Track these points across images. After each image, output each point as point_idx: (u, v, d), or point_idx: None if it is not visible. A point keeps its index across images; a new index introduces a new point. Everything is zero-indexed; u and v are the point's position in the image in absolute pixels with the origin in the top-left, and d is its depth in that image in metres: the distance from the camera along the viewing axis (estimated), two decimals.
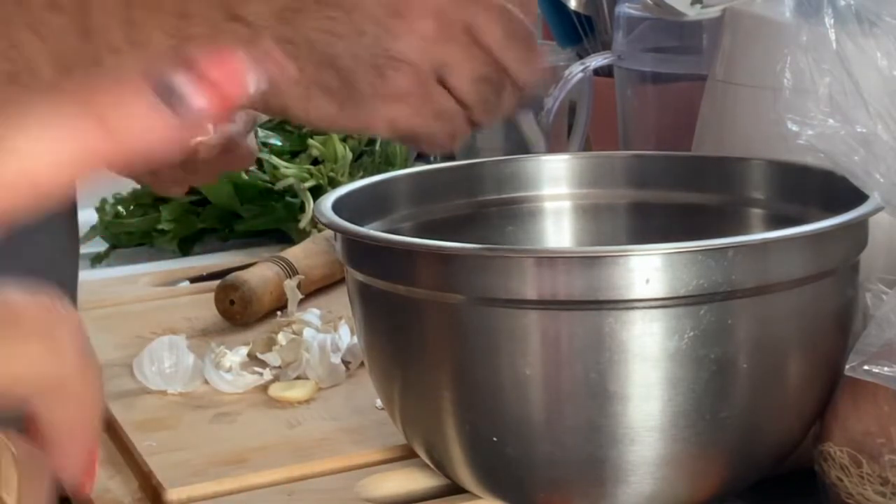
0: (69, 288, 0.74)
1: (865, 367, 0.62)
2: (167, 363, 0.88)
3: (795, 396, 0.65)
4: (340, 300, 1.00)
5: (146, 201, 1.27)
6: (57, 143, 0.32)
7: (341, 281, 1.08)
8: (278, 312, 1.02)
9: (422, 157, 1.58)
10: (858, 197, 0.66)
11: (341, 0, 0.57)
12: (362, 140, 1.31)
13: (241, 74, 0.33)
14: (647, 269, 0.59)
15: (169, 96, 0.32)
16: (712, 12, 0.93)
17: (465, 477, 0.67)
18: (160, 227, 1.25)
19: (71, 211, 0.76)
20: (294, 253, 1.10)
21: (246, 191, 1.24)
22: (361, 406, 0.83)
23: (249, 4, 0.56)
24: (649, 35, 1.09)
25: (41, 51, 0.55)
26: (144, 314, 1.04)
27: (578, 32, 1.31)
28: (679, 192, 0.81)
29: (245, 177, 1.23)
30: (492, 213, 0.82)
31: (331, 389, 0.88)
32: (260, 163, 1.25)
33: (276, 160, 1.25)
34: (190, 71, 0.33)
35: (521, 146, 0.86)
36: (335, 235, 0.70)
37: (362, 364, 0.86)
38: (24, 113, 0.32)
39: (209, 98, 0.33)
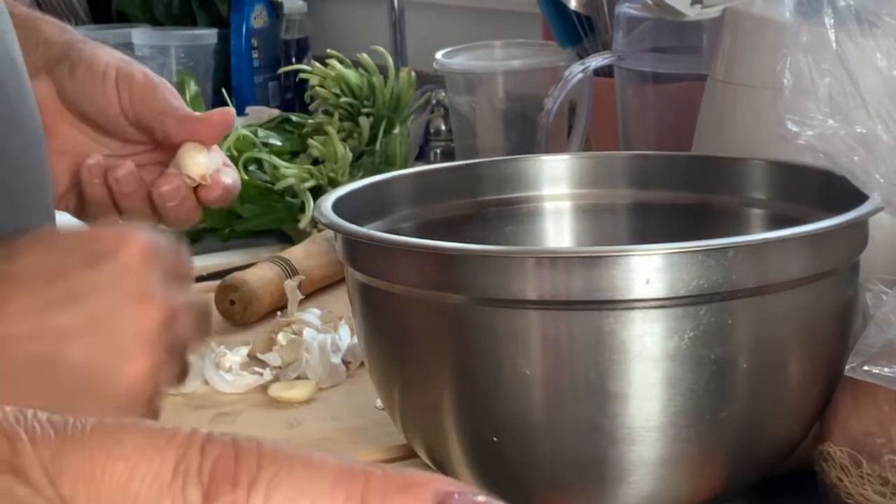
0: None
1: (865, 368, 0.62)
2: None
3: (795, 396, 0.65)
4: (340, 300, 1.00)
5: None
6: None
7: (341, 281, 1.08)
8: (278, 312, 1.02)
9: (422, 157, 1.59)
10: (858, 197, 0.66)
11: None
12: (362, 140, 1.31)
13: None
14: (648, 270, 0.59)
15: None
16: (712, 12, 0.93)
17: (465, 477, 0.67)
18: (160, 227, 1.25)
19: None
20: (294, 253, 1.10)
21: (246, 191, 1.24)
22: (361, 406, 0.83)
23: None
24: (649, 35, 1.09)
25: None
26: None
27: (578, 32, 1.31)
28: (679, 192, 0.81)
29: (245, 177, 1.23)
30: (492, 213, 0.82)
31: (331, 389, 0.88)
32: (260, 163, 1.26)
33: (276, 160, 1.26)
34: None
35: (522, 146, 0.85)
36: (335, 235, 0.70)
37: (362, 364, 0.86)
38: None
39: None
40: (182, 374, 0.59)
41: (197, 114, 0.81)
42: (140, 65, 0.83)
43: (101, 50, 0.82)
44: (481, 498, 0.30)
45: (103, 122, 0.82)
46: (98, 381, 0.55)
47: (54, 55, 0.80)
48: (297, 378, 0.89)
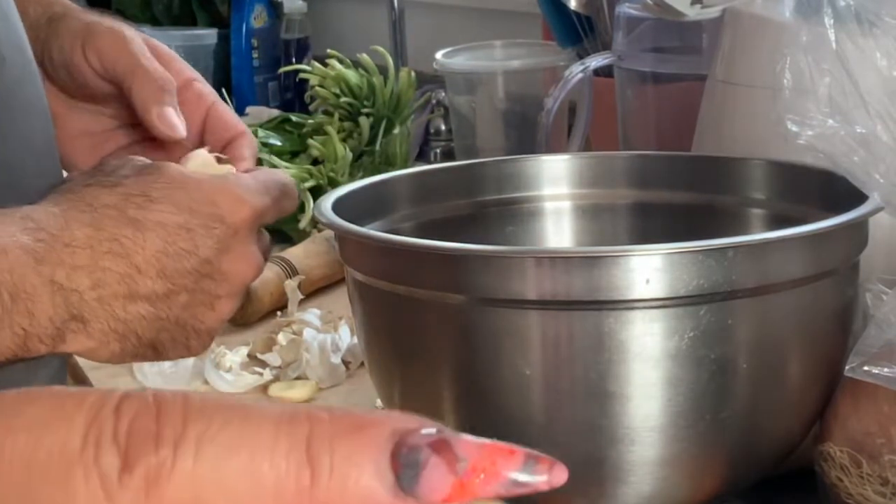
0: None
1: (865, 368, 0.62)
2: (167, 363, 0.88)
3: (795, 396, 0.65)
4: (340, 300, 1.00)
5: None
6: (242, 480, 0.25)
7: (341, 281, 1.08)
8: (278, 312, 1.02)
9: (422, 157, 1.59)
10: (858, 197, 0.66)
11: (165, 295, 0.64)
12: (362, 140, 1.31)
13: (504, 478, 0.27)
14: (648, 270, 0.59)
15: (407, 471, 0.26)
16: (712, 12, 0.93)
17: None
18: None
19: None
20: (294, 253, 1.10)
21: None
22: (361, 406, 0.82)
23: (86, 304, 0.61)
24: (649, 35, 1.09)
25: None
26: None
27: (578, 32, 1.31)
28: (679, 192, 0.81)
29: None
30: (492, 213, 0.82)
31: (331, 389, 0.88)
32: (260, 163, 1.25)
33: (276, 160, 1.26)
34: (446, 453, 0.26)
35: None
36: (335, 235, 0.70)
37: (362, 364, 0.86)
38: (206, 421, 0.26)
39: (451, 492, 0.26)
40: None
41: (151, 67, 0.79)
42: (112, 20, 0.81)
43: (73, 19, 0.81)
44: (446, 433, 0.27)
45: (87, 91, 0.81)
46: (192, 322, 0.65)
47: (40, 38, 0.80)
48: (297, 378, 0.89)
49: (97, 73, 0.78)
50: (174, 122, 0.77)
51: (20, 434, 0.26)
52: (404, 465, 0.26)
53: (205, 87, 0.83)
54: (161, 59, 0.81)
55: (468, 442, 0.27)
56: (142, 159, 0.68)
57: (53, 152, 0.73)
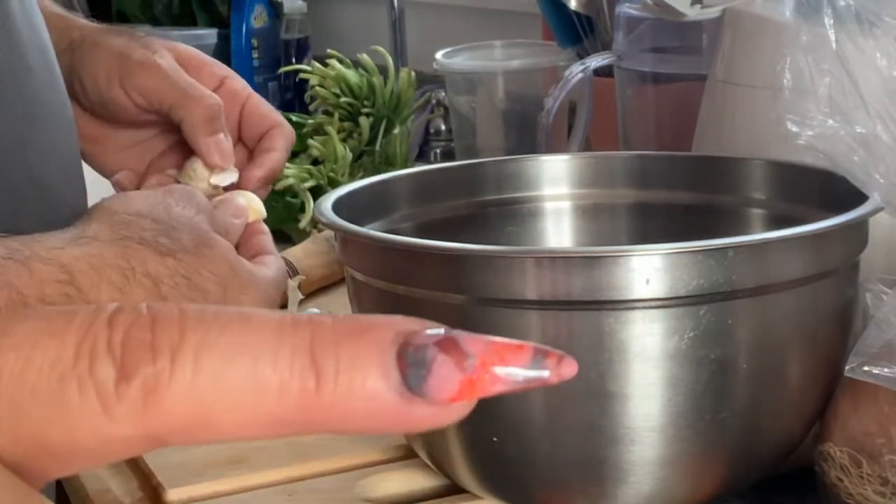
0: None
1: (865, 368, 0.62)
2: None
3: (795, 396, 0.65)
4: (340, 300, 1.00)
5: None
6: (244, 386, 0.24)
7: (341, 281, 1.08)
8: None
9: (422, 157, 1.59)
10: (858, 197, 0.66)
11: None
12: (362, 140, 1.31)
13: (515, 374, 0.26)
14: (647, 270, 0.59)
15: (414, 370, 0.25)
16: (712, 12, 0.93)
17: (465, 477, 0.67)
18: None
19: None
20: (294, 253, 1.10)
21: None
22: None
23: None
24: (649, 35, 1.09)
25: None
26: None
27: (578, 32, 1.31)
28: (679, 192, 0.81)
29: None
30: (492, 213, 0.82)
31: None
32: None
33: None
34: (454, 350, 0.26)
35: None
36: (335, 235, 0.70)
37: None
38: (202, 327, 0.25)
39: (460, 389, 0.25)
40: None
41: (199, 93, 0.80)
42: (139, 44, 0.82)
43: (97, 46, 0.82)
44: (451, 332, 0.26)
45: (128, 120, 0.82)
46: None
47: (63, 64, 0.80)
48: None
49: (141, 108, 0.80)
50: (223, 149, 0.79)
51: (9, 353, 0.24)
52: (411, 364, 0.25)
53: (237, 83, 0.84)
54: (193, 68, 0.82)
55: (475, 339, 0.26)
56: (204, 214, 0.68)
57: (77, 158, 0.74)
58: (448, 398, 0.25)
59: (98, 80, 0.80)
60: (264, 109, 0.84)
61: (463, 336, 0.26)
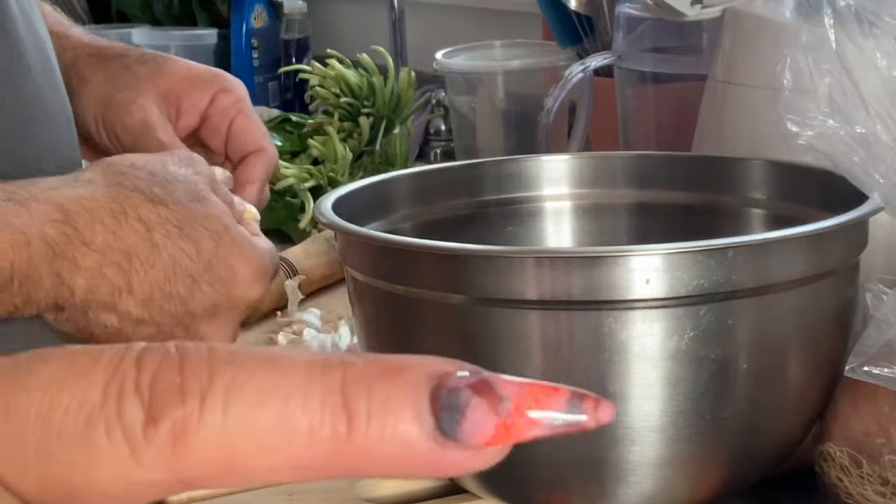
0: None
1: (865, 369, 0.62)
2: None
3: (795, 396, 0.65)
4: (340, 300, 1.00)
5: None
6: (274, 430, 0.24)
7: (341, 281, 1.08)
8: (278, 312, 1.02)
9: (422, 157, 1.59)
10: (858, 197, 0.66)
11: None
12: (362, 140, 1.31)
13: (552, 418, 0.25)
14: (647, 270, 0.59)
15: (447, 414, 0.24)
16: (712, 12, 0.93)
17: (465, 477, 0.67)
18: None
19: None
20: (294, 253, 1.10)
21: None
22: None
23: (71, 302, 0.63)
24: (649, 35, 1.09)
25: None
26: None
27: (578, 32, 1.31)
28: (679, 192, 0.81)
29: None
30: (492, 213, 0.82)
31: None
32: None
33: None
34: (488, 393, 0.25)
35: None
36: (335, 235, 0.70)
37: None
38: (233, 365, 0.24)
39: (495, 433, 0.24)
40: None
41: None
42: (124, 85, 0.83)
43: (83, 91, 0.82)
44: (484, 374, 0.25)
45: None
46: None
47: None
48: None
49: (126, 149, 0.80)
50: None
51: (34, 393, 0.24)
52: (444, 407, 0.24)
53: (227, 99, 0.84)
54: (183, 88, 0.82)
55: (510, 381, 0.25)
56: (204, 178, 0.68)
57: (76, 157, 0.74)
58: (483, 443, 0.25)
59: (85, 119, 0.81)
60: (249, 135, 0.84)
61: (496, 378, 0.25)
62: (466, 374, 0.25)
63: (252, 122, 0.84)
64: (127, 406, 0.24)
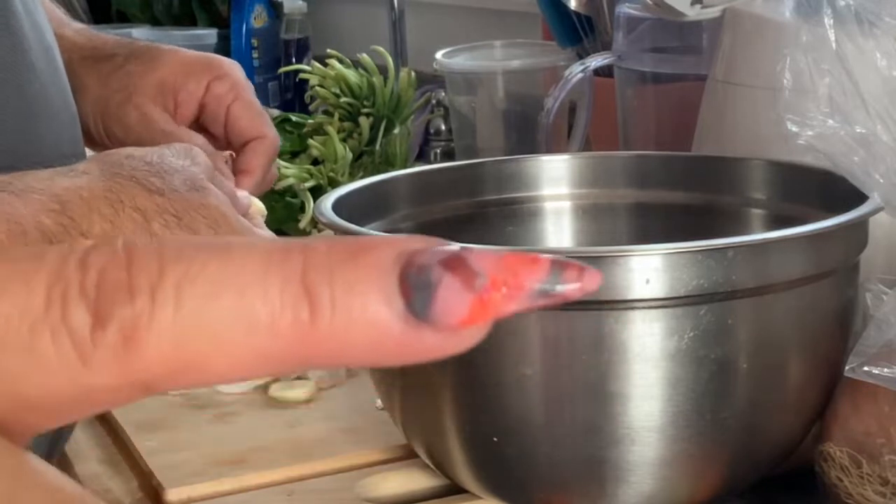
0: None
1: (865, 369, 0.62)
2: None
3: (795, 396, 0.65)
4: None
5: None
6: (231, 323, 0.22)
7: None
8: None
9: (422, 157, 1.59)
10: (858, 197, 0.66)
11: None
12: (362, 140, 1.31)
13: (529, 290, 0.24)
14: (647, 270, 0.59)
15: (418, 294, 0.23)
16: (712, 12, 0.93)
17: (465, 477, 0.67)
18: None
19: None
20: None
21: None
22: (361, 406, 0.83)
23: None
24: (649, 35, 1.09)
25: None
26: None
27: (578, 32, 1.31)
28: (679, 192, 0.81)
29: None
30: (492, 213, 0.82)
31: (331, 389, 0.88)
32: None
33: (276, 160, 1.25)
34: (461, 269, 0.23)
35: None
36: (335, 235, 0.70)
37: None
38: (182, 257, 0.22)
39: (470, 312, 0.23)
40: None
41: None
42: (118, 87, 0.83)
43: (79, 96, 0.82)
44: (453, 247, 0.23)
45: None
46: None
47: None
48: (297, 378, 0.89)
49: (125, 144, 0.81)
50: None
51: None
52: (414, 287, 0.22)
53: (222, 87, 0.84)
54: (179, 78, 0.82)
55: (484, 254, 0.23)
56: (202, 168, 0.68)
57: (81, 157, 0.74)
58: (458, 322, 0.23)
59: (86, 123, 0.82)
60: (245, 123, 0.84)
61: (471, 252, 0.23)
62: (439, 249, 0.23)
63: (249, 109, 0.84)
64: (72, 310, 0.22)
